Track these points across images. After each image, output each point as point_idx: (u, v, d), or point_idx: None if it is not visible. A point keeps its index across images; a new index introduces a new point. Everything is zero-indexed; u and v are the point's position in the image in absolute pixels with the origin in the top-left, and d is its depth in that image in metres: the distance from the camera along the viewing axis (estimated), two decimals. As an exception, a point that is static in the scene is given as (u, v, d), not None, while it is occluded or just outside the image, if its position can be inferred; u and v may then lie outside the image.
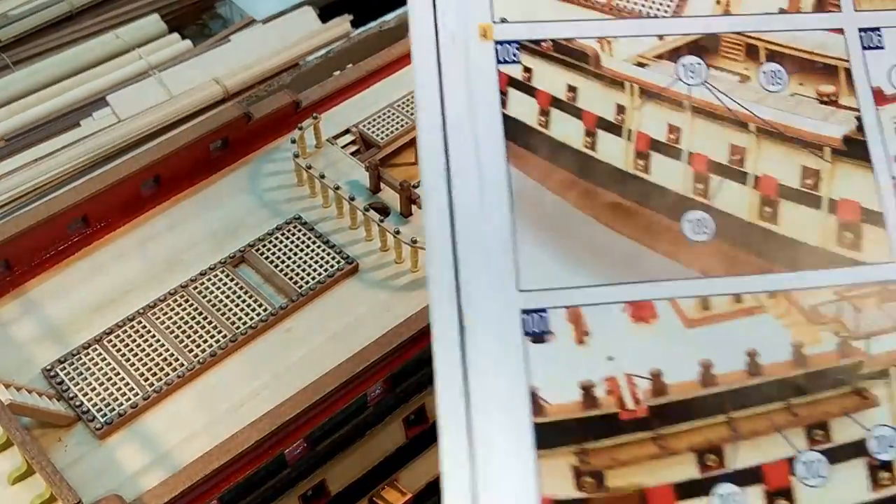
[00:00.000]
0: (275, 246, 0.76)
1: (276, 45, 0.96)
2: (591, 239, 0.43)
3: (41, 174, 0.83)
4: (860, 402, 0.42)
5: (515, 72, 0.44)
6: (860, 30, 0.47)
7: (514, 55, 0.44)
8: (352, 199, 0.76)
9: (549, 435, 0.40)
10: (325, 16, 1.04)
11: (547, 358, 0.41)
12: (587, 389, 0.41)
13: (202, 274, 0.74)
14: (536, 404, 0.40)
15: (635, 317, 0.42)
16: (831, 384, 0.42)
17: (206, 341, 0.70)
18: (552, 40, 0.44)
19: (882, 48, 0.46)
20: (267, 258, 0.75)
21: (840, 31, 0.47)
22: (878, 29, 0.47)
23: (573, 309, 0.41)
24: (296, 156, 0.80)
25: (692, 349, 0.42)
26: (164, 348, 0.70)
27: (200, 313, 0.72)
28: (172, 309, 0.72)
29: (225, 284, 0.74)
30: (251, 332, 0.71)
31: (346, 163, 0.82)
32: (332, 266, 0.74)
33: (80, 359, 0.69)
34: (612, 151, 0.44)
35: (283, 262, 0.75)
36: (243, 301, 0.72)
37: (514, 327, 0.41)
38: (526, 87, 0.44)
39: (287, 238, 0.77)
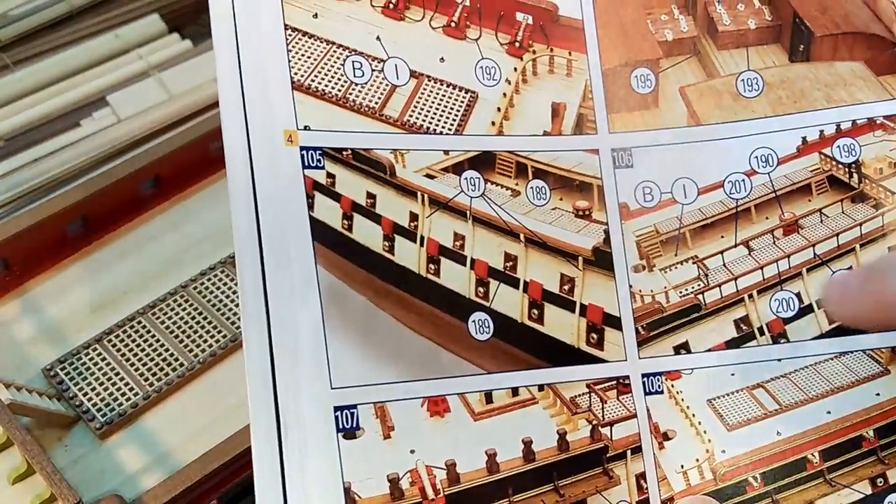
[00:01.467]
0: (275, 246, 0.76)
1: (275, 45, 0.95)
2: (393, 337, 0.46)
3: (41, 174, 0.83)
4: (607, 481, 0.47)
5: (320, 176, 0.46)
6: (612, 150, 0.51)
7: (319, 160, 0.46)
8: (352, 199, 0.76)
9: None
10: (325, 16, 1.03)
11: (358, 453, 0.44)
12: (394, 482, 0.44)
13: (202, 274, 0.74)
14: (350, 499, 0.43)
15: (431, 411, 0.46)
16: (586, 466, 0.47)
17: (206, 341, 0.70)
18: (352, 149, 0.47)
19: (631, 167, 0.51)
20: (267, 258, 0.75)
21: (595, 151, 0.51)
22: (628, 149, 0.51)
23: (380, 405, 0.45)
24: (296, 156, 0.80)
25: (479, 440, 0.46)
26: (164, 348, 0.70)
27: (200, 313, 0.72)
28: (172, 309, 0.72)
29: (225, 284, 0.74)
30: (251, 332, 0.71)
31: (345, 163, 0.82)
32: (331, 266, 0.74)
33: (81, 358, 0.69)
34: (408, 255, 0.48)
35: (282, 262, 0.75)
36: (243, 301, 0.72)
37: (329, 423, 0.43)
38: (330, 192, 0.47)
39: (287, 238, 0.77)
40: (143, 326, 0.71)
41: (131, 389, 0.67)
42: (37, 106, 0.91)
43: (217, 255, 0.75)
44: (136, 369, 0.68)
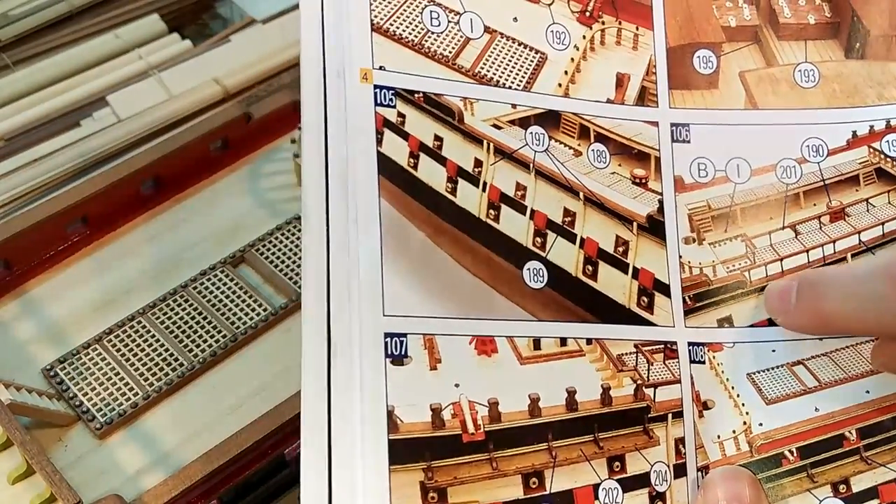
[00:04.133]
0: (275, 246, 0.76)
1: (276, 45, 0.95)
2: (448, 275, 0.48)
3: (41, 174, 0.83)
4: (647, 440, 0.48)
5: (391, 115, 0.48)
6: (672, 124, 0.53)
7: (391, 100, 0.48)
8: (352, 199, 0.76)
9: (401, 452, 0.43)
10: (325, 16, 1.03)
11: (404, 380, 0.45)
12: (436, 412, 0.45)
13: (202, 274, 0.74)
14: (392, 422, 0.44)
15: (479, 350, 0.47)
16: (628, 423, 0.48)
17: (206, 341, 0.70)
18: (423, 93, 0.49)
19: (689, 142, 0.53)
20: (267, 258, 0.75)
21: (655, 123, 0.53)
22: (687, 125, 0.53)
23: (429, 337, 0.46)
24: (296, 155, 0.80)
25: (523, 383, 0.47)
26: (164, 348, 0.70)
27: (200, 313, 0.72)
28: (172, 309, 0.72)
29: (225, 284, 0.74)
30: (251, 332, 0.71)
31: (346, 163, 0.82)
32: (332, 266, 0.74)
33: (80, 358, 0.69)
34: (469, 199, 0.49)
35: (283, 262, 0.75)
36: (243, 301, 0.72)
37: (378, 349, 0.44)
38: (399, 130, 0.48)
39: (287, 238, 0.77)
40: (143, 326, 0.71)
41: (131, 389, 0.67)
42: (37, 106, 0.91)
43: (217, 255, 0.75)
44: (136, 369, 0.68)
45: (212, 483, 0.62)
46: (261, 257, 0.75)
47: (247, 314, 0.72)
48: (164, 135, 0.85)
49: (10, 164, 0.85)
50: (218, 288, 0.73)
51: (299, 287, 0.73)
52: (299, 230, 0.77)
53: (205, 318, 0.71)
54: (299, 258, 0.75)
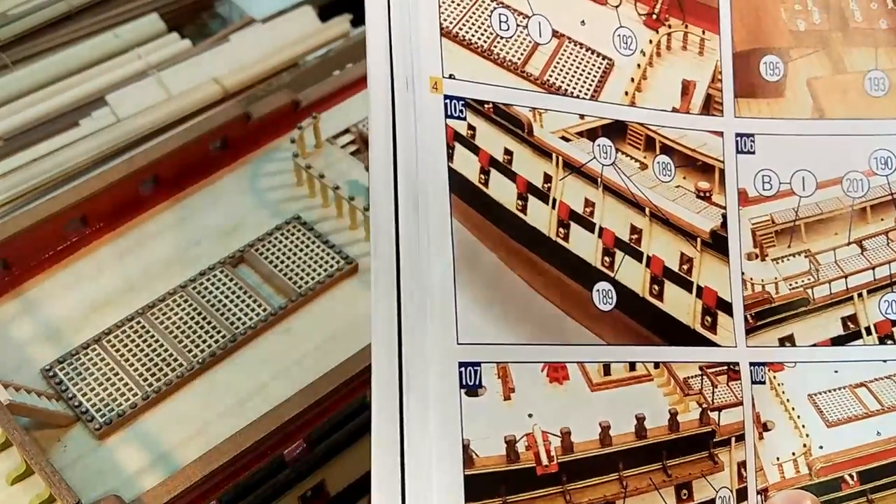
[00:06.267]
0: (274, 246, 0.76)
1: (275, 45, 0.96)
2: (520, 299, 0.46)
3: (40, 174, 0.83)
4: (712, 466, 0.47)
5: (461, 128, 0.46)
6: (737, 134, 0.52)
7: (461, 111, 0.46)
8: (351, 199, 0.76)
9: (477, 487, 0.42)
10: (325, 15, 1.04)
11: (478, 412, 0.43)
12: (510, 444, 0.43)
13: (201, 274, 0.74)
14: (467, 456, 0.42)
15: (551, 377, 0.45)
16: (694, 449, 0.47)
17: (205, 341, 0.70)
18: (493, 103, 0.47)
19: (753, 153, 0.51)
20: (266, 258, 0.75)
21: (720, 133, 0.51)
22: (752, 135, 0.52)
23: (502, 365, 0.44)
24: (295, 155, 0.80)
25: (594, 411, 0.46)
26: (163, 348, 0.69)
27: (200, 313, 0.72)
28: (172, 309, 0.72)
29: (224, 284, 0.73)
30: (250, 332, 0.71)
31: (345, 162, 0.82)
32: (331, 266, 0.74)
33: (80, 359, 0.69)
34: (540, 217, 0.48)
35: (282, 262, 0.75)
36: (243, 301, 0.72)
37: (452, 379, 0.43)
38: (470, 145, 0.47)
39: (286, 238, 0.77)
40: (143, 326, 0.71)
41: (130, 390, 0.67)
42: (36, 105, 0.91)
43: (217, 255, 0.75)
44: (136, 370, 0.68)
45: (211, 483, 0.62)
46: (261, 257, 0.75)
47: (246, 314, 0.72)
48: (164, 134, 0.85)
49: (10, 163, 0.85)
50: (218, 288, 0.73)
51: (299, 287, 0.73)
52: (299, 230, 0.77)
53: (204, 318, 0.71)
54: (299, 258, 0.75)
